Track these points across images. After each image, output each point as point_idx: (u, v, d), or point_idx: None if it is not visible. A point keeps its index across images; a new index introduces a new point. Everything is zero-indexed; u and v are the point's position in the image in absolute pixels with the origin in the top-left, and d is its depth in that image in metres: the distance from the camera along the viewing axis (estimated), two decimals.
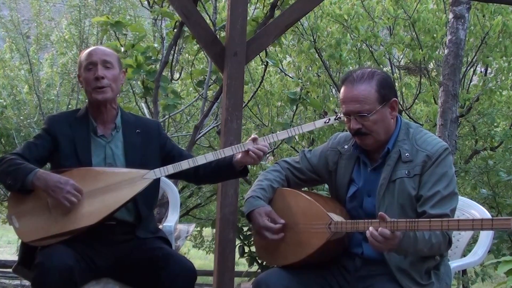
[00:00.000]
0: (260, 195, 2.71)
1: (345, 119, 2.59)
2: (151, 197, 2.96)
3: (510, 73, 9.04)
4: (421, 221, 2.30)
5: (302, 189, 2.91)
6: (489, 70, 9.31)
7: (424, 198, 2.49)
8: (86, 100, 2.95)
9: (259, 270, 4.46)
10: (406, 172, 2.53)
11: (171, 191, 3.42)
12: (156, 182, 2.92)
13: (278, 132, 2.86)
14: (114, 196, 2.71)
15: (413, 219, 2.33)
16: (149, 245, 2.81)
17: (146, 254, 2.76)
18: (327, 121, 2.75)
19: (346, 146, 2.71)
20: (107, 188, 2.71)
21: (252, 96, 6.73)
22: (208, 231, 12.19)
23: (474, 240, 3.11)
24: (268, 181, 2.77)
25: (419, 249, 2.43)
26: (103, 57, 2.87)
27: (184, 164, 2.81)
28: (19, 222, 2.72)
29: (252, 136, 2.81)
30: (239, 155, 2.82)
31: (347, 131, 2.71)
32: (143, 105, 5.70)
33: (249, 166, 3.10)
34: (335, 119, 2.71)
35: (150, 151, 2.93)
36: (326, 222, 2.51)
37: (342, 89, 2.61)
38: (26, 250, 2.77)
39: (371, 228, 2.34)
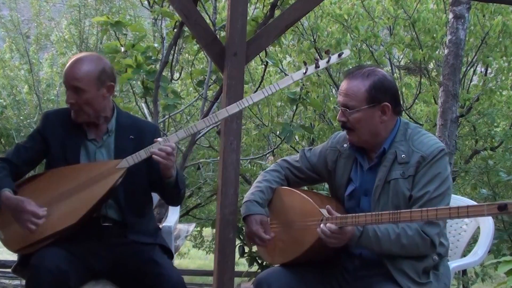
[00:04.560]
0: (259, 199, 2.74)
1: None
2: (138, 195, 2.87)
3: (510, 73, 9.04)
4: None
5: (301, 188, 2.92)
6: (489, 70, 9.30)
7: (414, 198, 2.51)
8: None
9: (259, 270, 4.46)
10: (401, 173, 2.53)
11: None
12: (143, 178, 2.86)
13: (252, 94, 2.77)
14: (91, 191, 2.68)
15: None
16: (145, 255, 2.76)
17: (140, 264, 2.73)
18: (305, 71, 2.72)
19: (345, 145, 2.71)
20: (82, 184, 2.69)
21: None
22: (208, 231, 12.19)
23: (474, 240, 3.11)
24: (267, 182, 2.78)
25: (386, 248, 2.46)
26: (72, 82, 2.74)
27: (156, 146, 2.71)
28: (3, 233, 2.71)
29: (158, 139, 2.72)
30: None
31: None
32: (143, 105, 5.70)
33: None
34: (315, 68, 2.70)
35: None
36: (319, 219, 2.51)
37: (343, 81, 2.66)
38: None
39: (322, 225, 2.40)
